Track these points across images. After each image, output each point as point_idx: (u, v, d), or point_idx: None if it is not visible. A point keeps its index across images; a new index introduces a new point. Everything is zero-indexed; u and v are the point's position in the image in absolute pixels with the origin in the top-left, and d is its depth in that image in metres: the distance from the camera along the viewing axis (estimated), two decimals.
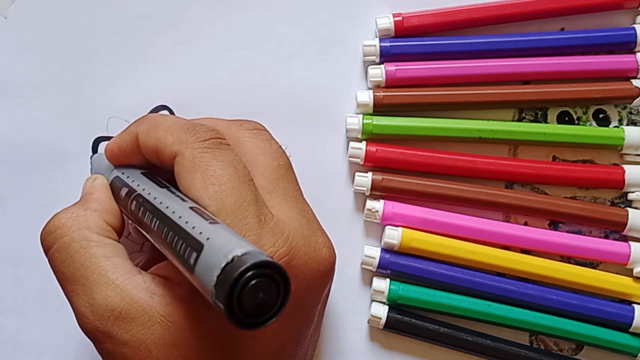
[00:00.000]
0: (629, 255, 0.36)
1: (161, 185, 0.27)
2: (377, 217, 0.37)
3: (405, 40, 0.38)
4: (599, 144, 0.37)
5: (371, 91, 0.37)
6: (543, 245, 0.37)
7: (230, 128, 0.29)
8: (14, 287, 0.38)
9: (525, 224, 0.38)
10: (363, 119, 0.37)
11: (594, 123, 0.39)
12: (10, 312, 0.38)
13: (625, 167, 0.37)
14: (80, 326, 0.26)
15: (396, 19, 0.38)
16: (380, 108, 0.37)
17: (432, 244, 0.36)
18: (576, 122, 0.39)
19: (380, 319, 0.37)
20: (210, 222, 0.23)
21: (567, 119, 0.39)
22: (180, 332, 0.24)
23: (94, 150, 0.38)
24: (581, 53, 0.38)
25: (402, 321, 0.37)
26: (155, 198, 0.26)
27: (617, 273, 0.37)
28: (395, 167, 0.37)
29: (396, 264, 0.37)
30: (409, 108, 0.38)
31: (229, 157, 0.26)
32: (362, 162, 0.37)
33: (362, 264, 0.37)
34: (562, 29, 0.39)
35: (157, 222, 0.25)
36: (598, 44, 0.37)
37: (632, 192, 0.37)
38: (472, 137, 0.37)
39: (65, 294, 0.26)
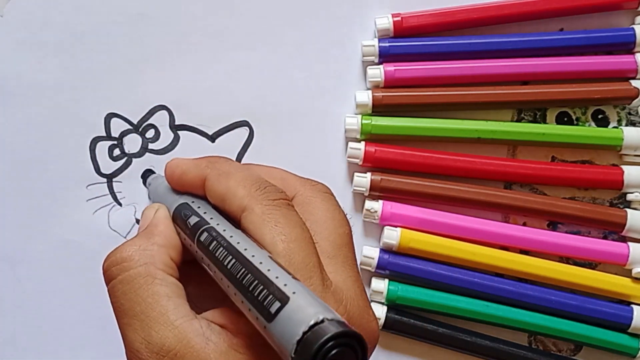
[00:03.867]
0: (628, 256, 0.36)
1: (236, 226, 0.27)
2: (376, 218, 0.37)
3: (404, 41, 0.38)
4: (598, 144, 0.37)
5: (370, 91, 0.37)
6: (542, 246, 0.37)
7: (304, 186, 0.30)
8: (12, 288, 0.38)
9: (524, 224, 0.38)
10: (362, 119, 0.37)
11: (593, 123, 0.39)
12: (8, 313, 0.38)
13: (624, 167, 0.37)
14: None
15: (395, 19, 0.38)
16: (379, 108, 0.37)
17: (431, 245, 0.36)
18: (575, 122, 0.39)
19: (379, 319, 0.36)
20: (293, 277, 0.23)
21: (566, 119, 0.39)
22: None
23: (92, 150, 0.38)
24: (580, 53, 0.38)
25: (400, 322, 0.37)
26: (231, 236, 0.26)
27: (615, 274, 0.37)
28: (394, 168, 0.37)
29: (395, 265, 0.37)
30: (408, 108, 0.38)
31: (296, 218, 0.26)
32: (361, 163, 0.37)
33: (360, 264, 0.37)
34: (562, 30, 0.39)
35: (234, 261, 0.24)
36: (597, 45, 0.38)
37: (631, 192, 0.37)
38: (471, 137, 0.37)
39: (120, 326, 0.26)
